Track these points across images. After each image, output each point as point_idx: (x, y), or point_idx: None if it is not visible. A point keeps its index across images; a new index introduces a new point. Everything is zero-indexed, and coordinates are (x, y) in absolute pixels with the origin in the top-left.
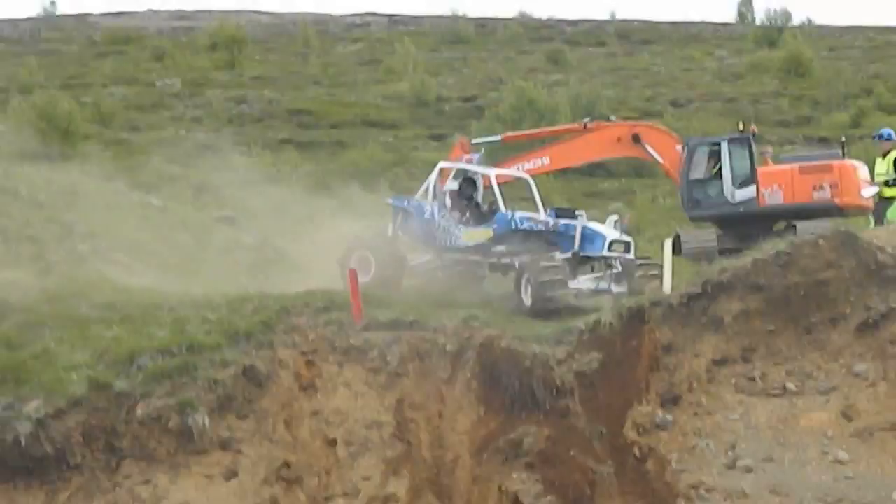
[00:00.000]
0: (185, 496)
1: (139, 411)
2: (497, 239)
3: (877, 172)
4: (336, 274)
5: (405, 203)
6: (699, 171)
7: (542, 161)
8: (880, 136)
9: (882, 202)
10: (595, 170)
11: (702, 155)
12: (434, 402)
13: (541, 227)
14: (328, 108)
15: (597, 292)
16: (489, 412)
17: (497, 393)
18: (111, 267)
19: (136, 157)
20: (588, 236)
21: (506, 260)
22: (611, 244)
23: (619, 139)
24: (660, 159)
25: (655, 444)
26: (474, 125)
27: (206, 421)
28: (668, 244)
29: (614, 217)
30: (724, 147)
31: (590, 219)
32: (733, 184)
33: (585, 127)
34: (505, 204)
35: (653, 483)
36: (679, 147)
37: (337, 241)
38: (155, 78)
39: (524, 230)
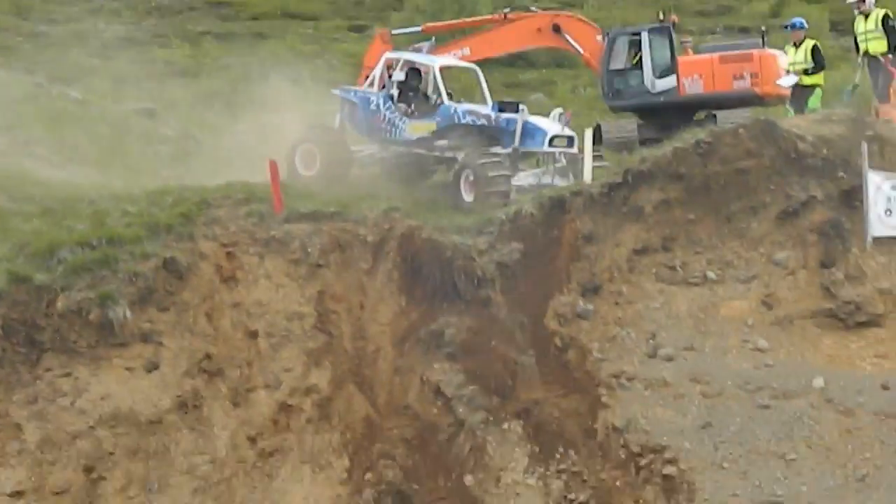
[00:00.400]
0: (106, 389)
1: (59, 304)
2: (439, 133)
3: (792, 62)
4: (258, 167)
5: (351, 94)
6: (619, 61)
7: (462, 52)
8: (793, 26)
9: (801, 91)
10: (516, 60)
11: (622, 45)
12: (355, 294)
13: (483, 121)
14: (248, 0)
15: (539, 187)
16: (410, 303)
17: (418, 284)
18: (30, 160)
19: (54, 49)
20: (529, 131)
21: (448, 154)
22: (552, 139)
23: (539, 29)
24: (580, 50)
25: (576, 333)
26: (394, 16)
27: (127, 313)
28: (588, 134)
29: (558, 111)
30: (645, 37)
31: (532, 113)
32: (654, 74)
33: (506, 17)
34: (449, 96)
35: (574, 372)
36: (599, 37)
37: (257, 133)
38: None
39: (466, 124)
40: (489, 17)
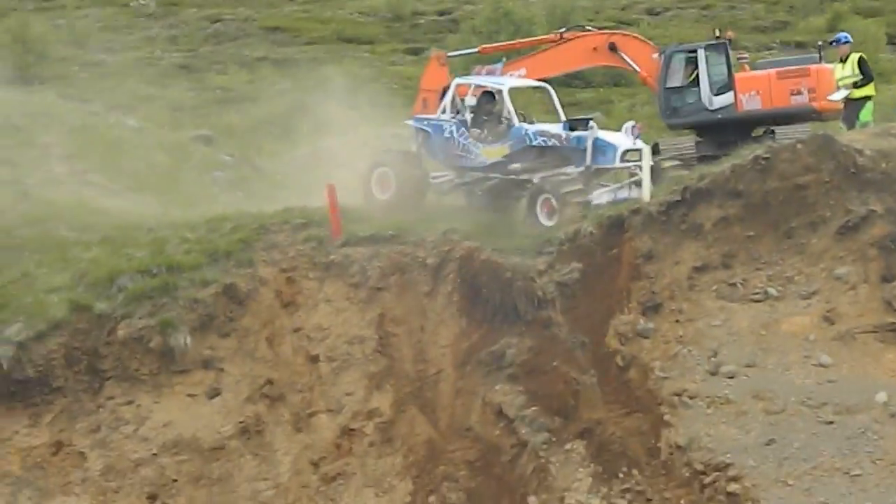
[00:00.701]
0: (168, 416)
1: (120, 332)
2: (512, 156)
3: (841, 77)
4: (316, 191)
5: (424, 123)
6: (676, 78)
7: (519, 73)
8: (837, 42)
9: (853, 105)
10: (572, 80)
11: (679, 62)
12: (415, 316)
13: (554, 141)
14: (303, 25)
15: (617, 202)
16: (471, 325)
17: (478, 305)
18: (88, 189)
19: (111, 78)
20: (600, 148)
21: (524, 177)
22: (623, 154)
23: (595, 49)
24: (637, 68)
25: (638, 352)
26: (450, 38)
27: (188, 340)
28: (646, 151)
29: (630, 124)
30: (701, 54)
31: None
32: (711, 90)
33: (561, 37)
34: (521, 117)
35: (636, 391)
36: (656, 55)
37: (314, 157)
38: None
39: (538, 145)
40: (545, 37)
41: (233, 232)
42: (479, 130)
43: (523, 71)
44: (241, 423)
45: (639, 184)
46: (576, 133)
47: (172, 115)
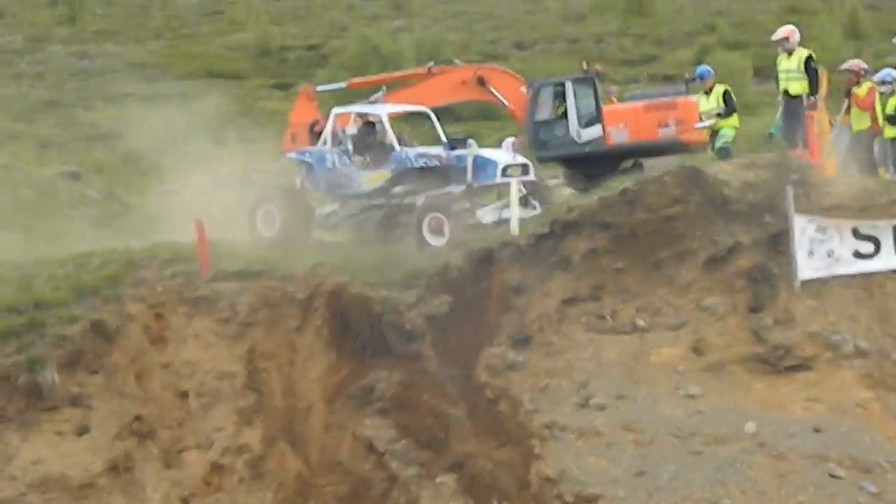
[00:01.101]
0: (36, 454)
1: None
2: (394, 180)
3: (705, 110)
4: (185, 227)
5: (306, 155)
6: (545, 111)
7: None
8: (700, 77)
9: (713, 137)
10: (441, 114)
11: (547, 96)
12: (285, 351)
13: (435, 161)
14: (171, 61)
15: (503, 221)
16: (341, 359)
17: (348, 339)
18: None
19: None
20: (480, 165)
21: (407, 201)
22: (504, 169)
23: (463, 82)
24: (505, 101)
25: (507, 384)
26: (319, 73)
27: (56, 377)
28: (513, 185)
29: (510, 140)
30: (569, 87)
31: (487, 143)
32: (579, 124)
33: (430, 71)
34: (402, 142)
35: (506, 424)
36: (524, 88)
37: (183, 193)
38: None
39: (420, 167)
40: (413, 71)
41: (100, 268)
42: (361, 158)
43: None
44: (110, 459)
45: (524, 202)
46: (456, 152)
47: (39, 152)
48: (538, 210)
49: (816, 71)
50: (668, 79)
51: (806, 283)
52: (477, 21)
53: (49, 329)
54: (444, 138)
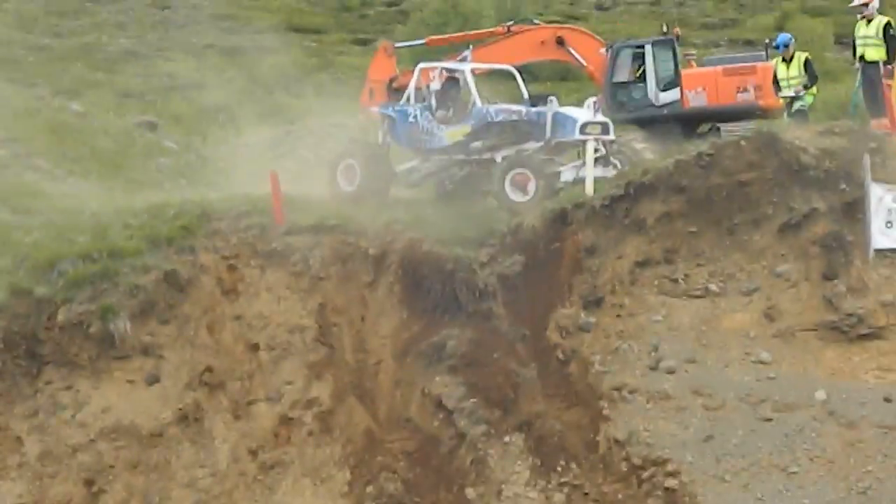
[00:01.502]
0: (106, 402)
1: (60, 317)
2: (473, 134)
3: (785, 77)
4: (259, 178)
5: (390, 109)
6: (623, 73)
7: None
8: (778, 46)
9: (791, 102)
10: (520, 73)
11: (626, 58)
12: (356, 306)
13: (514, 117)
14: (252, 14)
15: (581, 180)
16: (412, 316)
17: (419, 296)
18: (31, 173)
19: (57, 63)
20: (560, 121)
21: (486, 156)
22: (583, 126)
23: (542, 42)
24: (584, 62)
25: (578, 346)
26: (399, 29)
27: (128, 326)
28: (589, 146)
29: (592, 99)
30: (648, 50)
31: (565, 104)
32: (657, 86)
33: (509, 30)
34: (483, 98)
35: (576, 385)
36: (603, 50)
37: (260, 146)
38: None
39: (499, 122)
40: (492, 29)
41: (175, 219)
42: (443, 113)
43: None
44: (179, 409)
45: (603, 161)
46: (536, 108)
47: (118, 101)
48: (619, 170)
49: (895, 38)
50: (748, 43)
51: (880, 252)
52: None
53: (122, 278)
54: (526, 95)
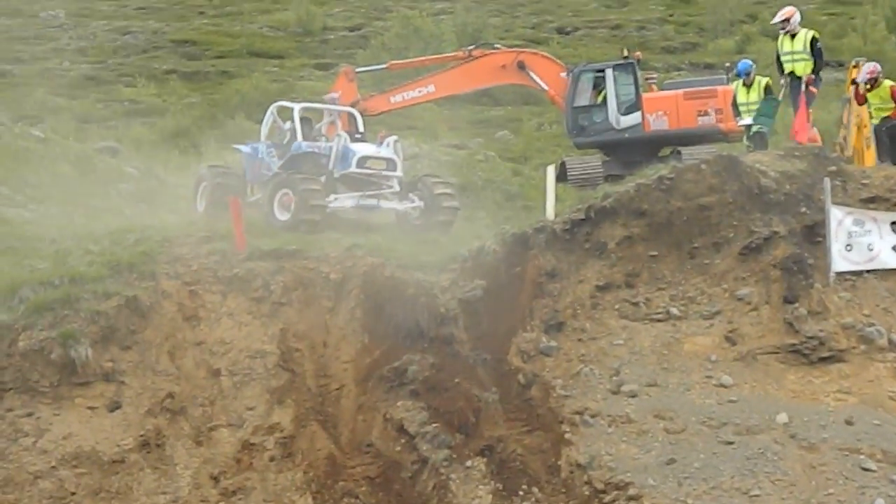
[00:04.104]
0: (68, 428)
1: (21, 343)
2: (286, 165)
3: (747, 101)
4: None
5: (243, 148)
6: (584, 97)
7: (427, 89)
8: (744, 73)
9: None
10: (482, 98)
11: (587, 82)
12: (318, 331)
13: (316, 150)
14: (213, 39)
15: (362, 209)
16: (373, 340)
17: (381, 321)
18: None
19: (18, 88)
20: (343, 154)
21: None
22: (361, 160)
23: (503, 66)
24: (545, 86)
25: (540, 370)
26: (360, 54)
27: (89, 352)
28: (550, 170)
29: (392, 138)
30: (609, 74)
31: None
32: (618, 110)
33: (470, 55)
34: (310, 137)
35: (537, 409)
36: (564, 74)
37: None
38: (38, 9)
39: (302, 155)
40: (453, 54)
41: (136, 244)
42: (280, 149)
43: (431, 88)
44: (141, 436)
45: (403, 196)
46: (329, 142)
47: (79, 127)
48: (411, 206)
49: (822, 51)
50: (709, 67)
51: (841, 275)
52: (519, 5)
53: (83, 304)
54: (361, 129)
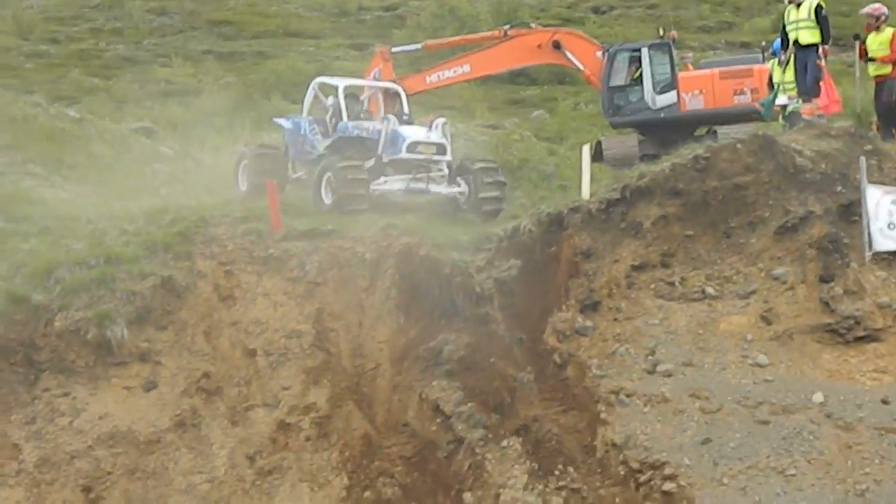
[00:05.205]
0: (104, 408)
1: (57, 324)
2: (332, 148)
3: (783, 81)
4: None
5: (284, 121)
6: (620, 77)
7: (462, 69)
8: (775, 52)
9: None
10: (517, 77)
11: (622, 61)
12: (353, 311)
13: (364, 134)
14: (249, 19)
15: (411, 192)
16: (409, 320)
17: (416, 301)
18: (28, 180)
19: (55, 69)
20: (392, 139)
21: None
22: (411, 146)
23: (539, 46)
24: (580, 66)
25: (575, 350)
26: (396, 34)
27: (125, 332)
28: (585, 149)
29: (441, 121)
30: (645, 53)
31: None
32: (654, 89)
33: (506, 34)
34: (354, 114)
35: (573, 389)
36: (599, 53)
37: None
38: None
39: (350, 138)
40: (489, 33)
41: (172, 225)
42: (324, 127)
43: (467, 67)
44: (177, 416)
45: (448, 179)
46: (374, 122)
47: (115, 107)
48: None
49: (827, 19)
50: (745, 46)
51: (877, 254)
52: None
53: (119, 284)
54: (407, 114)
